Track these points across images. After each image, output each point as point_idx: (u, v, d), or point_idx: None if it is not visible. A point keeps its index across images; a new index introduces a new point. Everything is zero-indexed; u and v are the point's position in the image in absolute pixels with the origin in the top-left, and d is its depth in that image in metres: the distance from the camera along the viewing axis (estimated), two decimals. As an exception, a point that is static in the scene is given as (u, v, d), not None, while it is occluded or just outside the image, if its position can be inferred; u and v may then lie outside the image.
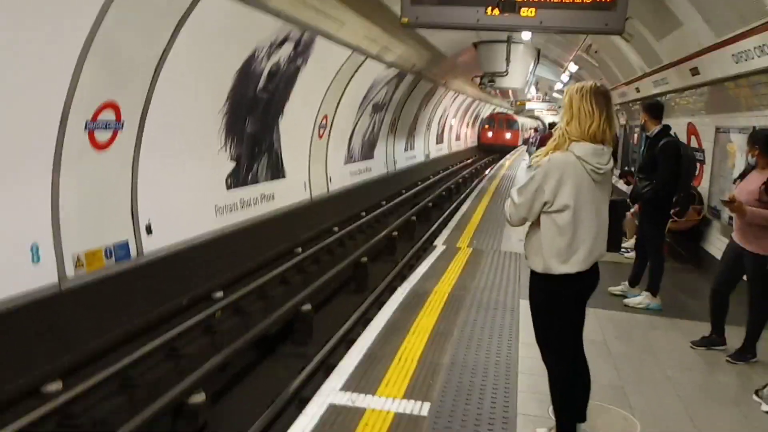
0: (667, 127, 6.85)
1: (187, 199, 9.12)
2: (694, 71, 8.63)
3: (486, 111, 46.63)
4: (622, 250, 9.38)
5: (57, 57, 6.20)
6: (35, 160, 6.33)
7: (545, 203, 3.51)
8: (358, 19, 11.89)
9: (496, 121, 45.48)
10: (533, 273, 3.68)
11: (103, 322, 7.19)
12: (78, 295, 6.84)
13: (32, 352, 6.23)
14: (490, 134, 45.05)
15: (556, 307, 3.65)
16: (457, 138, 39.05)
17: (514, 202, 3.63)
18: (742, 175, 5.62)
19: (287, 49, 10.72)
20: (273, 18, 9.36)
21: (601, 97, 3.52)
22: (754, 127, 7.43)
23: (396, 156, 22.94)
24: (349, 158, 17.49)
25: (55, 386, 6.11)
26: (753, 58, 6.51)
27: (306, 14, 10.09)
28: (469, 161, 38.87)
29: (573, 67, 18.24)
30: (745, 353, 5.50)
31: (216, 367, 6.72)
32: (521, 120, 50.25)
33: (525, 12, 7.56)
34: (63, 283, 6.66)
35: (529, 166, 4.02)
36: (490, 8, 7.37)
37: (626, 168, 14.22)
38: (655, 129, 6.83)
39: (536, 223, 3.62)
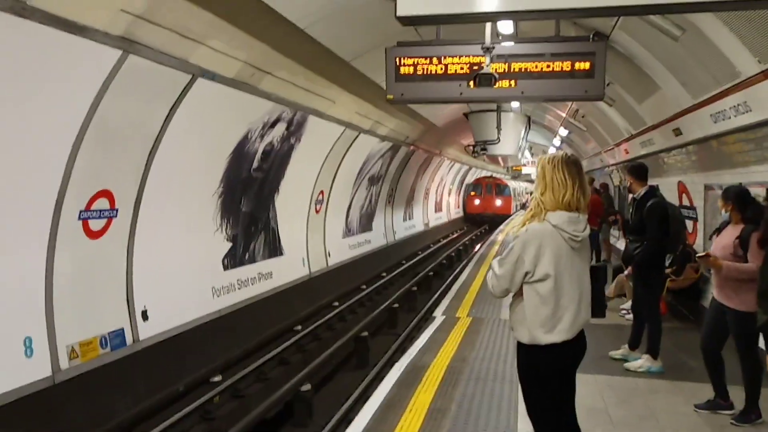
0: (654, 188, 6.92)
1: (184, 282, 9.13)
2: (677, 131, 8.78)
3: (472, 176, 41.84)
4: (622, 311, 9.32)
5: (52, 144, 6.31)
6: (28, 250, 6.37)
7: (526, 273, 3.52)
8: (349, 97, 12.17)
9: (483, 186, 39.55)
10: (519, 344, 3.65)
11: (99, 412, 7.08)
12: (72, 385, 6.76)
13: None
14: (477, 202, 39.36)
15: (544, 377, 3.60)
16: (456, 206, 39.42)
17: (495, 274, 3.64)
18: (718, 230, 5.66)
19: (280, 128, 10.94)
20: (264, 100, 9.59)
21: (572, 166, 3.59)
22: (740, 184, 7.51)
23: (395, 227, 23.05)
24: (348, 231, 17.57)
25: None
26: (730, 118, 6.64)
27: (297, 95, 10.35)
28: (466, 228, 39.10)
29: (563, 132, 18.55)
30: (749, 414, 5.38)
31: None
32: (513, 184, 45.88)
33: (505, 84, 7.76)
34: (57, 375, 6.59)
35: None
36: (471, 82, 7.53)
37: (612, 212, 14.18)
38: (641, 190, 6.90)
39: (519, 294, 3.62)
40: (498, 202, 39.22)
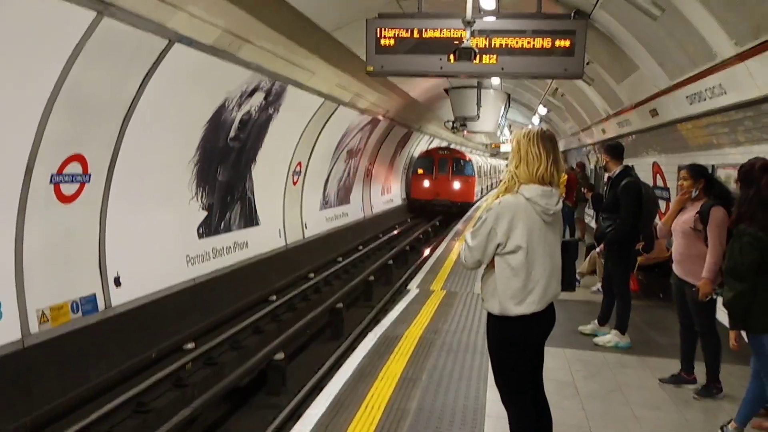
0: (629, 168, 6.97)
1: (158, 249, 9.06)
2: (653, 112, 8.83)
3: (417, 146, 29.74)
4: (593, 289, 9.44)
5: (22, 107, 6.18)
6: (-2, 214, 6.27)
7: (498, 245, 3.53)
8: (329, 68, 12.06)
9: (436, 161, 28.53)
10: (490, 315, 3.67)
11: (71, 377, 7.04)
12: (43, 350, 6.71)
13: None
14: (425, 184, 28.32)
15: (513, 348, 3.63)
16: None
17: (468, 246, 3.64)
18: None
19: (258, 98, 10.82)
20: (243, 68, 9.47)
21: (547, 141, 3.59)
22: (713, 166, 7.60)
23: (373, 200, 23.04)
24: (325, 204, 17.53)
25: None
26: (705, 99, 6.68)
27: (276, 65, 10.22)
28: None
29: (542, 110, 18.58)
30: (710, 388, 5.51)
31: (185, 420, 6.58)
32: (479, 160, 35.25)
33: (486, 59, 7.74)
34: (27, 339, 6.53)
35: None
36: (452, 56, 7.49)
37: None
38: (616, 170, 6.95)
39: (491, 266, 3.64)
40: (455, 185, 28.17)
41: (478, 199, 31.18)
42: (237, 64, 9.19)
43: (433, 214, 28.08)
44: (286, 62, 10.41)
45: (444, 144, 33.23)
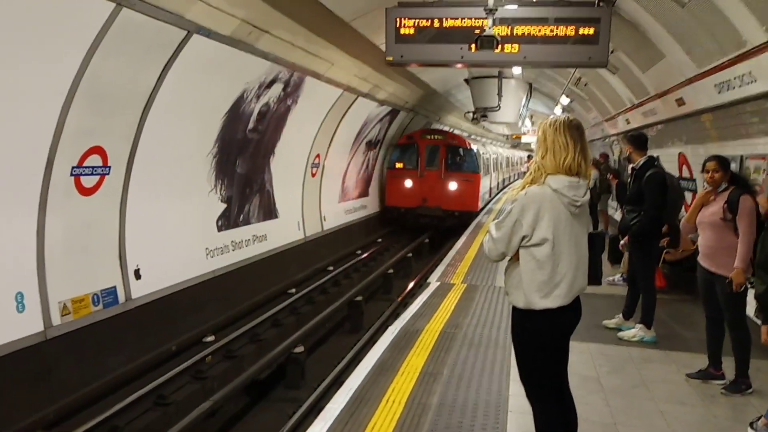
0: (653, 158, 6.87)
1: (177, 242, 9.10)
2: (680, 101, 8.70)
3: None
4: (610, 279, 9.36)
5: (43, 100, 6.23)
6: (20, 206, 6.33)
7: (524, 237, 3.49)
8: (348, 59, 12.01)
9: (422, 150, 20.29)
10: (515, 309, 3.64)
11: (91, 369, 7.11)
12: (65, 342, 6.78)
13: (17, 402, 6.14)
14: (407, 184, 20.19)
15: (539, 343, 3.59)
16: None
17: (492, 237, 3.60)
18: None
19: (277, 89, 10.81)
20: (261, 59, 9.46)
21: (574, 130, 3.53)
22: (741, 156, 7.47)
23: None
24: (344, 196, 17.52)
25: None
26: (734, 88, 6.57)
27: (295, 55, 10.20)
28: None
29: (565, 100, 18.39)
30: (739, 384, 5.43)
31: (205, 413, 6.62)
32: (490, 151, 27.19)
33: (508, 48, 7.67)
34: (49, 331, 6.60)
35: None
36: (473, 45, 7.43)
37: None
38: (640, 160, 6.86)
39: (516, 258, 3.60)
40: (451, 186, 19.93)
41: (487, 206, 23.05)
42: (255, 55, 9.18)
43: (419, 228, 19.96)
44: (305, 53, 10.39)
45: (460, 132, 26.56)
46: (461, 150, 20.39)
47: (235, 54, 8.68)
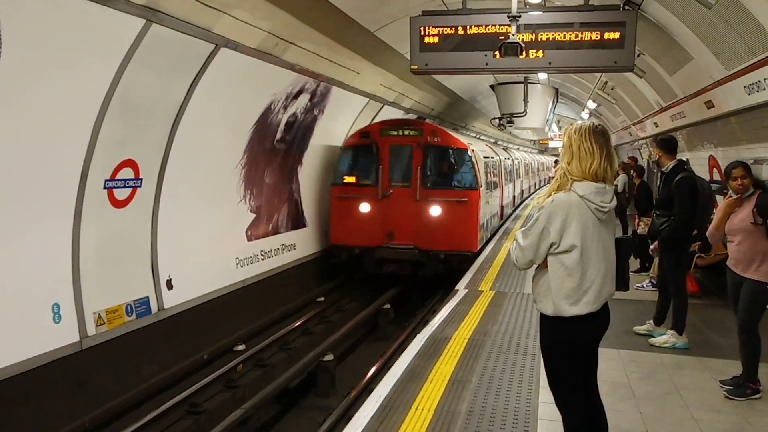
0: (682, 162, 6.79)
1: (208, 252, 9.21)
2: (709, 104, 8.58)
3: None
4: (645, 284, 9.24)
5: (77, 115, 6.38)
6: (55, 219, 6.46)
7: (552, 244, 3.48)
8: (373, 68, 12.08)
9: (384, 152, 12.82)
10: (543, 316, 3.63)
11: (126, 378, 7.22)
12: (100, 351, 6.90)
13: (54, 411, 6.26)
14: (363, 209, 12.77)
15: (567, 350, 3.57)
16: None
17: (519, 245, 3.60)
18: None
19: (303, 99, 10.91)
20: (288, 71, 9.55)
21: (600, 136, 3.52)
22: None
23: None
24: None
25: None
26: (765, 89, 6.46)
27: (320, 66, 10.29)
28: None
29: (591, 105, 18.25)
30: (744, 388, 5.39)
31: (237, 421, 6.68)
32: (500, 156, 18.73)
33: (533, 54, 7.65)
34: (84, 341, 6.73)
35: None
36: (498, 52, 7.42)
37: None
38: (670, 164, 6.78)
39: (543, 266, 3.59)
40: (432, 211, 12.63)
41: (490, 240, 15.11)
42: (282, 67, 9.28)
43: (390, 277, 13.14)
44: (330, 63, 10.47)
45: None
46: (450, 152, 12.88)
47: (262, 66, 8.78)
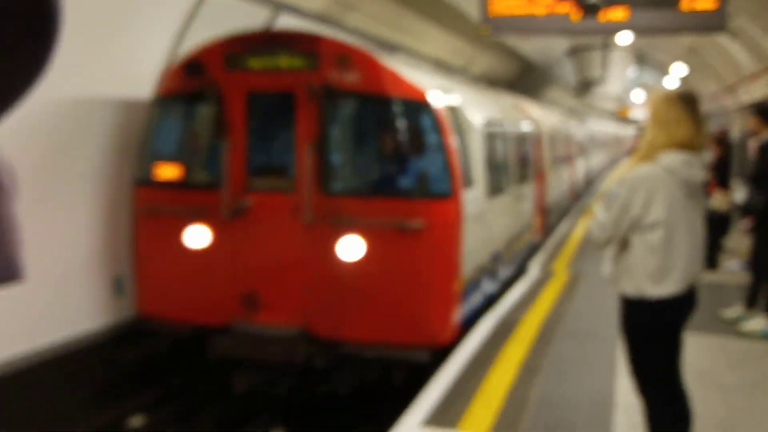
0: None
1: None
2: (813, 68, 8.18)
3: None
4: (735, 265, 8.96)
5: (136, 83, 6.60)
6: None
7: (634, 221, 3.41)
8: (440, 33, 11.97)
9: (230, 104, 6.22)
10: (623, 298, 3.57)
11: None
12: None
13: (117, 387, 6.45)
14: (197, 240, 6.28)
15: (650, 334, 3.51)
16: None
17: (599, 222, 3.54)
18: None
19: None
20: (349, 35, 9.55)
21: (688, 103, 3.42)
22: None
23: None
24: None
25: (138, 421, 6.28)
26: None
27: (383, 30, 10.25)
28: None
29: (677, 70, 17.66)
30: None
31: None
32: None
33: (614, 14, 7.43)
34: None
35: None
36: (576, 12, 7.25)
37: None
38: (767, 135, 6.51)
39: (624, 244, 3.52)
40: (345, 249, 5.93)
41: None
42: (343, 31, 9.28)
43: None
44: (395, 27, 10.42)
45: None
46: (387, 110, 6.22)
47: (323, 30, 8.79)
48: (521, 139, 10.20)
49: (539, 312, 7.43)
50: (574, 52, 17.92)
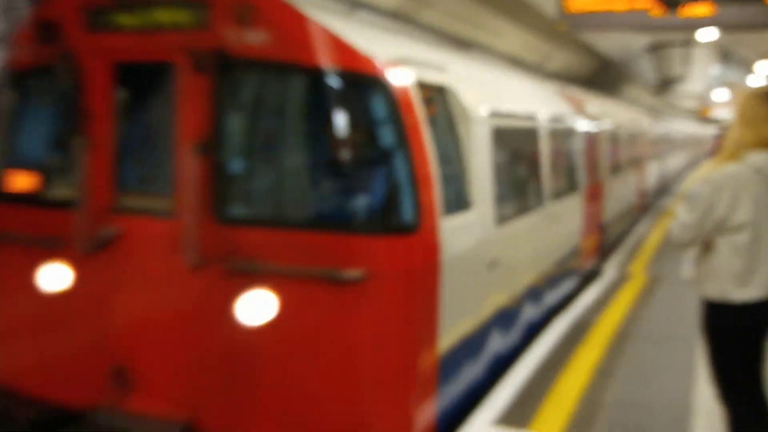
0: None
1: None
2: None
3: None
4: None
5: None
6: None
7: (718, 222, 3.36)
8: (515, 29, 11.91)
9: (90, 79, 4.25)
10: (705, 301, 3.53)
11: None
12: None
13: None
14: (51, 282, 4.33)
15: (733, 339, 3.46)
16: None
17: (682, 222, 3.50)
18: None
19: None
20: (423, 32, 9.62)
21: (779, 100, 3.34)
22: None
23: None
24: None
25: None
26: None
27: (458, 26, 10.27)
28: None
29: (764, 68, 17.07)
30: None
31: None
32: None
33: (699, 10, 7.28)
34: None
35: None
36: (658, 8, 7.13)
37: None
38: None
39: (707, 245, 3.47)
40: (246, 309, 3.86)
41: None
42: (417, 28, 9.34)
43: None
44: (470, 23, 10.43)
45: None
46: (320, 83, 3.90)
47: (398, 28, 8.90)
48: (565, 138, 8.06)
49: (615, 315, 7.33)
50: (654, 49, 17.51)
